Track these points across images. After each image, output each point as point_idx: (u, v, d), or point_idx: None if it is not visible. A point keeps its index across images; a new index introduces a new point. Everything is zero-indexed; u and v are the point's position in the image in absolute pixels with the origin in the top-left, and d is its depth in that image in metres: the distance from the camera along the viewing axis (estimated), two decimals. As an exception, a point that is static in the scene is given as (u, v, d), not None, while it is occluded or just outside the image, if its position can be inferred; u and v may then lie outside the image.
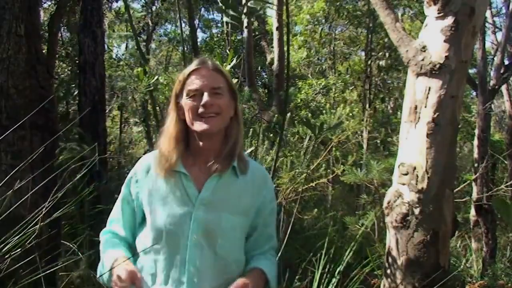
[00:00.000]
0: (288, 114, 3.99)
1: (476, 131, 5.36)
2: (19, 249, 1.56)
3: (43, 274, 1.51)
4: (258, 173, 1.55)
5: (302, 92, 8.82)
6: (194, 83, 1.45)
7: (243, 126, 1.54)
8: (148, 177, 1.48)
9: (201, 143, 1.46)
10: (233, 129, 1.50)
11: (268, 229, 1.56)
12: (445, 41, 2.30)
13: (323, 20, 9.49)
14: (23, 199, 1.63)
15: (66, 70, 8.20)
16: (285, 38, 7.48)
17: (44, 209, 1.50)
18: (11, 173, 1.76)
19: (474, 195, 5.08)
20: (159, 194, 1.45)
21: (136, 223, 1.52)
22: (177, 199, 1.43)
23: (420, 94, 2.36)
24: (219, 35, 13.90)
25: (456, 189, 3.76)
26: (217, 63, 1.54)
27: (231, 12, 1.86)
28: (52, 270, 1.77)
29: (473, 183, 5.11)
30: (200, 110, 1.42)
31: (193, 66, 1.48)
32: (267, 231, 1.56)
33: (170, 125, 1.48)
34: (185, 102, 1.46)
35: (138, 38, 10.95)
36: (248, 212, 1.48)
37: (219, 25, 14.14)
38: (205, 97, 1.42)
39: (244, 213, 1.47)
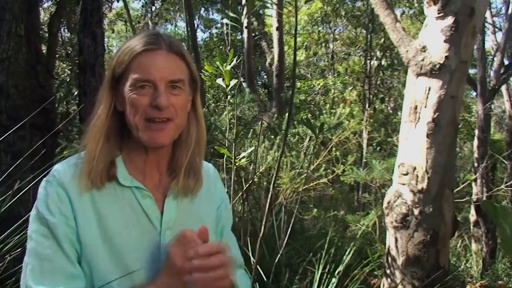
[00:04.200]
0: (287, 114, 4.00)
1: (476, 131, 5.36)
2: (19, 249, 1.57)
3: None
4: (209, 172, 1.19)
5: (301, 93, 8.84)
6: (144, 70, 0.98)
7: (204, 125, 1.12)
8: (83, 201, 0.99)
9: (147, 153, 1.05)
10: (191, 130, 1.08)
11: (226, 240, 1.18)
12: (445, 41, 2.30)
13: (321, 21, 9.49)
14: (18, 196, 1.63)
15: (66, 70, 8.21)
16: (287, 38, 7.49)
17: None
18: (10, 172, 1.76)
19: (474, 195, 5.09)
20: (105, 224, 0.99)
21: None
22: (136, 227, 1.01)
23: (420, 94, 2.36)
24: (218, 35, 13.92)
25: (456, 189, 3.77)
26: (176, 41, 1.06)
27: (230, 14, 1.86)
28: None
29: (473, 183, 5.11)
30: (150, 112, 0.98)
31: (143, 44, 1.00)
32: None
33: (101, 118, 1.02)
34: (128, 94, 0.99)
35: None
36: (213, 224, 1.15)
37: (219, 25, 14.16)
38: (160, 94, 0.98)
39: (211, 228, 1.10)
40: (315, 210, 4.25)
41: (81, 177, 0.99)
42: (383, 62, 8.58)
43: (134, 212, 1.01)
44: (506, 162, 5.95)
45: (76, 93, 4.91)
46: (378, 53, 8.54)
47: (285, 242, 2.82)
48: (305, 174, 3.29)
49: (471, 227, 5.25)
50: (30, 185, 1.65)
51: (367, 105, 8.14)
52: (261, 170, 3.55)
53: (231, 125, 2.98)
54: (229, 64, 2.27)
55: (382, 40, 8.10)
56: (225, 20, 1.95)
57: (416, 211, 2.32)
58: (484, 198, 4.84)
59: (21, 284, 0.97)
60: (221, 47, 12.38)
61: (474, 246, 5.14)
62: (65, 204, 0.98)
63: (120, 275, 0.96)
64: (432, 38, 2.35)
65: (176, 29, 14.27)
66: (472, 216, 5.20)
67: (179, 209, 1.07)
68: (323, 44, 9.87)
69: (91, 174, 0.98)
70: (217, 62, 2.27)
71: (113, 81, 1.02)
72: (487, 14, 6.84)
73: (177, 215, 1.06)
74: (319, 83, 9.03)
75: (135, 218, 1.01)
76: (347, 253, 2.60)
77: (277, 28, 7.24)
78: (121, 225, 1.00)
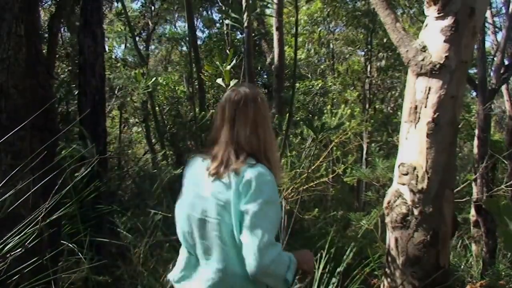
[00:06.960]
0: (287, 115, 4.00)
1: (476, 131, 5.36)
2: (19, 249, 1.56)
3: (45, 275, 1.51)
4: None
5: (301, 94, 8.82)
6: None
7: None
8: None
9: None
10: None
11: None
12: (445, 41, 2.30)
13: (321, 21, 9.48)
14: (23, 199, 1.63)
15: (66, 70, 8.19)
16: (287, 38, 7.48)
17: (44, 209, 1.50)
18: (11, 173, 1.76)
19: (474, 195, 5.09)
20: None
21: None
22: None
23: (420, 94, 2.36)
24: (218, 35, 13.88)
25: (456, 189, 3.77)
26: None
27: (232, 14, 1.85)
28: (53, 270, 1.77)
29: (473, 183, 5.11)
30: None
31: None
32: None
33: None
34: None
35: (138, 37, 10.97)
36: None
37: (219, 25, 14.12)
38: None
39: None
40: (316, 210, 4.24)
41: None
42: (383, 63, 8.57)
43: None
44: (506, 162, 5.95)
45: (76, 93, 4.89)
46: (381, 54, 8.52)
47: (285, 242, 2.82)
48: (306, 174, 3.29)
49: (471, 227, 5.24)
50: (31, 187, 1.65)
51: (367, 105, 8.15)
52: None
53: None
54: (229, 64, 2.26)
55: (385, 40, 8.08)
56: (226, 20, 1.95)
57: (416, 211, 2.32)
58: (484, 198, 4.84)
59: (252, 235, 1.42)
60: (220, 47, 12.35)
61: (474, 246, 5.13)
62: None
63: None
64: (432, 38, 2.35)
65: (175, 29, 14.24)
66: (472, 216, 5.19)
67: None
68: (324, 44, 9.86)
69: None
70: (217, 62, 2.27)
71: None
72: (487, 14, 6.84)
73: None
74: (318, 84, 9.01)
75: None
76: (347, 253, 2.60)
77: (277, 28, 7.21)
78: None
